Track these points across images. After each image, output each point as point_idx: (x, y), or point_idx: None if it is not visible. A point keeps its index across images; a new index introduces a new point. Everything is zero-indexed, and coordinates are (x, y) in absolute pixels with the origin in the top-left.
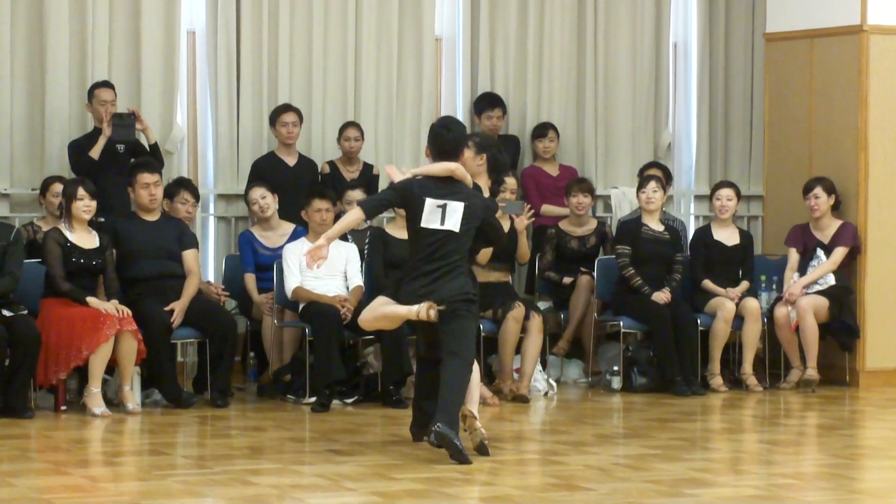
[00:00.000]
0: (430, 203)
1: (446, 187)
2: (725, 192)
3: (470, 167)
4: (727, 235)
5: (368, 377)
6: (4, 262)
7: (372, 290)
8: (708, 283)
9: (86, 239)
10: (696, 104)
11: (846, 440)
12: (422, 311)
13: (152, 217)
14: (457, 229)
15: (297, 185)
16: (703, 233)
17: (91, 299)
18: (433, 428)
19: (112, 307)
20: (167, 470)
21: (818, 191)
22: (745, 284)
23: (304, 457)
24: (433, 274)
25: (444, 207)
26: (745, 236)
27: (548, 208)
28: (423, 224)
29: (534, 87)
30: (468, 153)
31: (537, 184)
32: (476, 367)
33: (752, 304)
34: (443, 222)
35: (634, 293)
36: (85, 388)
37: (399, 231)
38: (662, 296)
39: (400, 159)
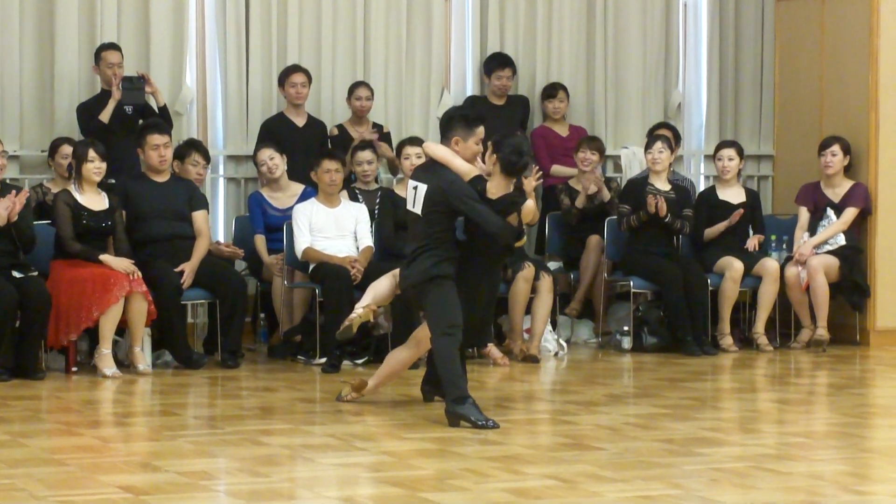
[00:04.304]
0: (409, 184)
1: (427, 170)
2: (727, 152)
3: (463, 153)
4: (733, 194)
5: (378, 338)
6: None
7: (381, 250)
8: (709, 231)
9: (95, 200)
10: (707, 64)
11: (856, 399)
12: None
13: (162, 178)
14: (419, 212)
15: (306, 146)
16: (708, 193)
17: (104, 256)
18: (446, 411)
19: (126, 263)
20: (178, 430)
21: (835, 148)
22: (759, 236)
23: (314, 417)
24: (410, 257)
25: (416, 189)
26: (752, 194)
27: (557, 168)
28: (406, 205)
29: (543, 48)
30: (458, 140)
31: (547, 144)
32: (390, 276)
33: (770, 264)
34: (413, 204)
35: (644, 254)
36: (95, 350)
37: None
38: (653, 199)
39: (409, 119)
